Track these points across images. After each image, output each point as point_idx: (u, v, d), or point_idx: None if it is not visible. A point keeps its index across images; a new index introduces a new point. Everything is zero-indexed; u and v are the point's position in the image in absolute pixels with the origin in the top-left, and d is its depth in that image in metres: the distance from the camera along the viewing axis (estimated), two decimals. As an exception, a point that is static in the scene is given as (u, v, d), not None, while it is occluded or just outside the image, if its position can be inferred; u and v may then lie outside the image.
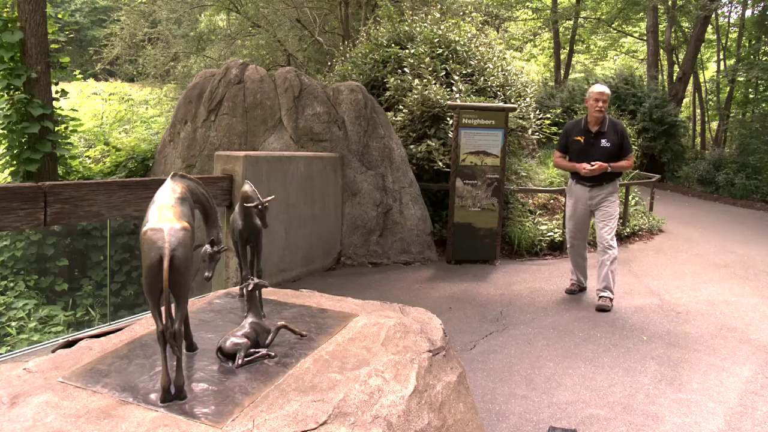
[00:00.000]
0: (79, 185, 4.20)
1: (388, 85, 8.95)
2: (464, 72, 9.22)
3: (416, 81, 8.48)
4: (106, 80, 21.90)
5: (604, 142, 5.41)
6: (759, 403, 3.61)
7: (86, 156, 8.90)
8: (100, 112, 13.74)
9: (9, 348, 5.37)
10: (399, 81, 8.84)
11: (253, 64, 7.53)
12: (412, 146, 8.04)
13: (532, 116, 9.66)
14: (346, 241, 7.05)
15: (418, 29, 10.15)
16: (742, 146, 17.08)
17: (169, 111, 14.56)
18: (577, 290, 5.92)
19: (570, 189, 5.81)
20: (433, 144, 7.86)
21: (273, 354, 2.01)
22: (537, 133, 9.94)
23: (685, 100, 23.49)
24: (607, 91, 5.47)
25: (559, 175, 9.44)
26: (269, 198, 2.42)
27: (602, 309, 5.36)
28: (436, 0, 13.35)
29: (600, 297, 5.44)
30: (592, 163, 5.38)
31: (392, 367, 1.98)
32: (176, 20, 21.51)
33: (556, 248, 7.85)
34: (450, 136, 7.80)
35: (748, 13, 21.33)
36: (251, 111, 6.88)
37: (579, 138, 5.52)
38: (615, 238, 5.52)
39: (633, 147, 6.22)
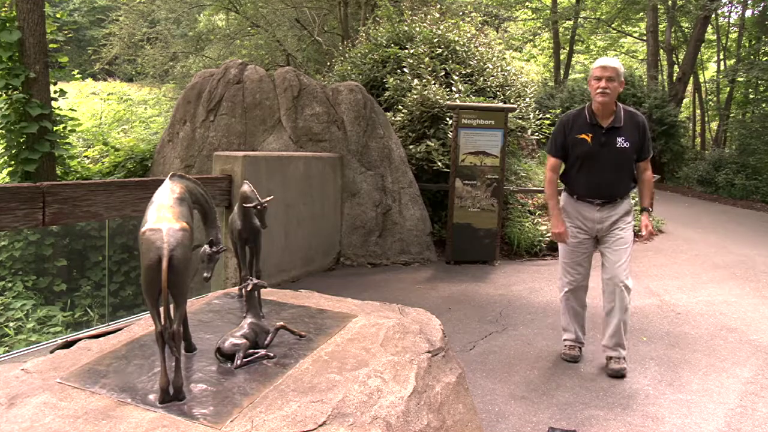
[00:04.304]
0: (78, 185, 4.19)
1: (387, 85, 8.94)
2: (464, 72, 9.21)
3: (415, 81, 8.47)
4: (105, 80, 21.86)
5: (620, 142, 3.84)
6: (759, 404, 3.60)
7: (85, 156, 8.89)
8: (99, 112, 13.73)
9: (7, 348, 5.36)
10: (398, 81, 8.84)
11: (252, 64, 7.53)
12: (411, 146, 8.04)
13: (531, 116, 9.65)
14: (345, 242, 7.04)
15: (417, 29, 10.15)
16: (742, 147, 17.05)
17: (168, 111, 14.55)
18: (580, 354, 4.27)
19: (572, 208, 4.10)
20: (433, 144, 7.86)
21: (272, 355, 2.00)
22: (536, 134, 9.93)
23: (685, 101, 23.48)
24: (614, 64, 3.83)
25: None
26: (268, 198, 2.40)
27: (616, 374, 3.91)
28: (435, 0, 13.35)
29: (610, 358, 3.98)
30: (568, 239, 4.01)
31: (391, 368, 1.97)
32: (175, 20, 21.48)
33: (555, 249, 7.81)
34: (449, 136, 7.79)
35: (749, 13, 21.33)
36: (250, 111, 6.87)
37: (584, 136, 3.88)
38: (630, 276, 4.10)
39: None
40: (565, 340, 4.33)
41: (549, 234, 7.87)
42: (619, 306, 3.98)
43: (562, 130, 4.01)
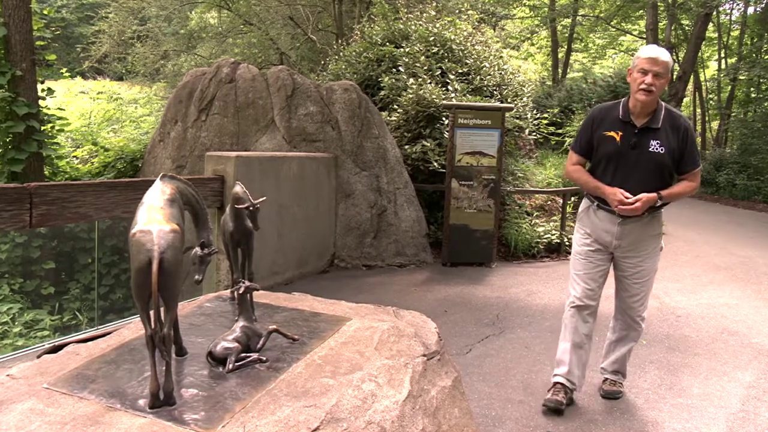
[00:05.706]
0: (66, 186, 4.14)
1: (382, 85, 8.91)
2: (460, 71, 9.19)
3: (411, 80, 8.44)
4: (94, 78, 21.77)
5: (654, 145, 3.25)
6: (761, 409, 3.58)
7: (74, 156, 8.84)
8: (88, 112, 13.66)
9: (-7, 353, 5.29)
10: (394, 80, 8.81)
11: (245, 62, 7.48)
12: (407, 147, 8.01)
13: (529, 116, 9.64)
14: (339, 243, 6.99)
15: (413, 27, 10.13)
16: (743, 146, 16.94)
17: (159, 110, 14.48)
18: (568, 399, 3.49)
19: (587, 217, 3.53)
20: (429, 144, 7.83)
21: (264, 358, 1.99)
22: (534, 134, 9.92)
23: (686, 100, 23.45)
24: (665, 57, 3.25)
25: (558, 175, 9.31)
26: (261, 199, 2.40)
27: (611, 395, 3.66)
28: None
29: (607, 380, 3.73)
30: (632, 197, 3.17)
31: (386, 372, 1.95)
32: (166, 17, 21.38)
33: (553, 250, 7.83)
34: (445, 136, 7.76)
35: (750, 10, 21.29)
36: (243, 111, 6.82)
37: (613, 134, 3.32)
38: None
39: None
40: (554, 376, 3.56)
41: (546, 235, 7.84)
42: (631, 339, 3.63)
43: (590, 124, 3.46)
